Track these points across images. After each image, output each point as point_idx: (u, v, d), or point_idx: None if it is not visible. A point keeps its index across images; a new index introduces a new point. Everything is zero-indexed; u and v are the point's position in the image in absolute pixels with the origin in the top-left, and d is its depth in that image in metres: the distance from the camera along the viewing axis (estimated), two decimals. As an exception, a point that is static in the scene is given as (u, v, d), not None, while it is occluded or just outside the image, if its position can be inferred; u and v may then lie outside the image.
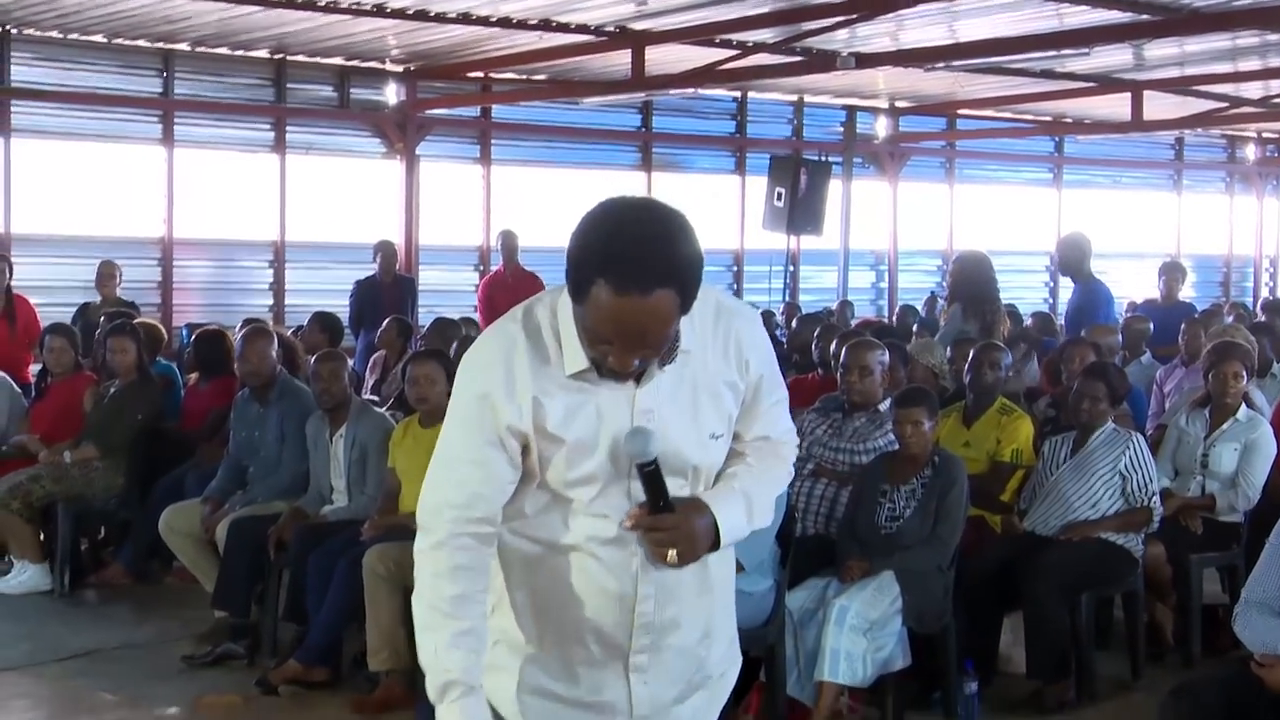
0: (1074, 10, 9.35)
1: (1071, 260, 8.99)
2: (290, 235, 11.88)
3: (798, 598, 4.85)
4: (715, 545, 2.29)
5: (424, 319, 9.97)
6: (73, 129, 10.85)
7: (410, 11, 9.63)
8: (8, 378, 7.66)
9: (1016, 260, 15.10)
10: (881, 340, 6.06)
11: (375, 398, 7.60)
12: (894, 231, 15.40)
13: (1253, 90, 13.31)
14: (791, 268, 13.74)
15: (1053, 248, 12.48)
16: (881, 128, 14.82)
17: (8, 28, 10.31)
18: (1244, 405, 5.89)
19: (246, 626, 5.77)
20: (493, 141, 12.88)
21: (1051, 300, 15.60)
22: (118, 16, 9.80)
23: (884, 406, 5.55)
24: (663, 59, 10.58)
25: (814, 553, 5.09)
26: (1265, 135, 17.56)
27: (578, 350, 2.20)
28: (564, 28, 10.16)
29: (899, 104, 14.76)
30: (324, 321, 8.68)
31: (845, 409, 5.65)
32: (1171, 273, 10.33)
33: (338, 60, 11.78)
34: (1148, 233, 16.99)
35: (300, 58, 11.58)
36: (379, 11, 9.60)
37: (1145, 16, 9.31)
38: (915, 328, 10.46)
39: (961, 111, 15.08)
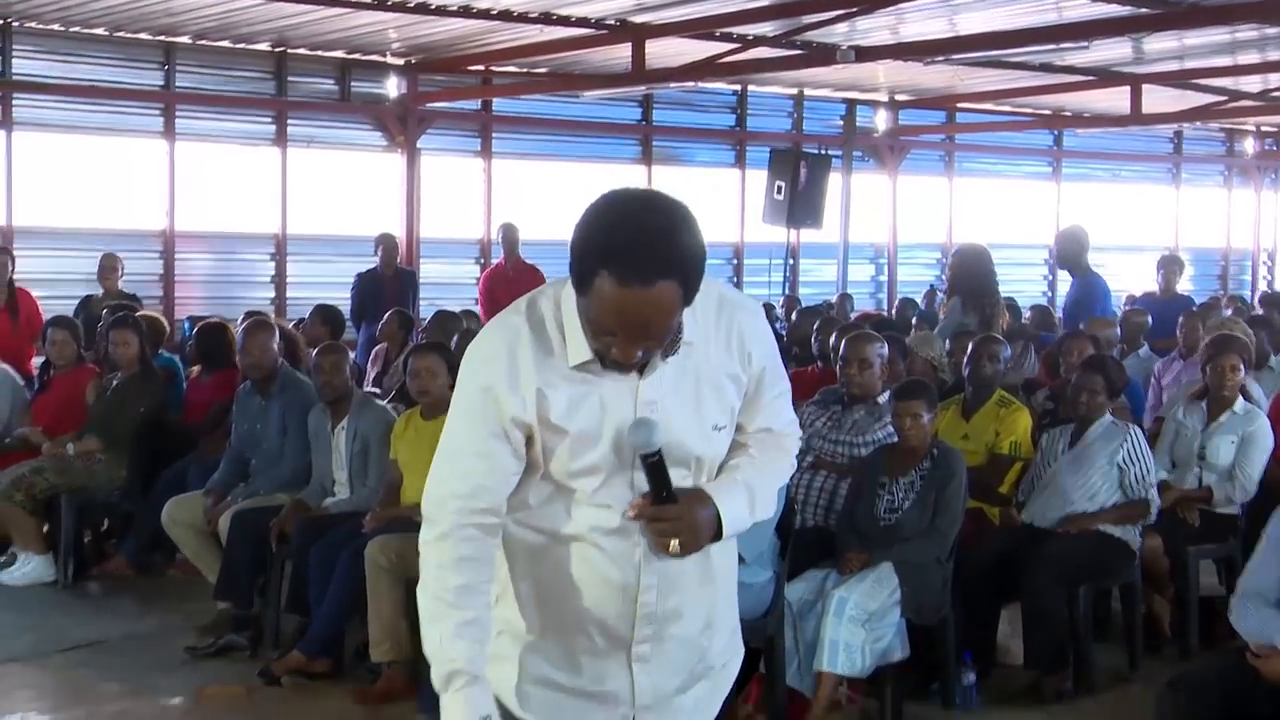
0: (1073, 4, 9.35)
1: (1069, 254, 9.00)
2: (292, 228, 11.88)
3: (797, 589, 4.86)
4: (718, 536, 2.30)
5: (425, 312, 9.96)
6: (74, 122, 10.85)
7: (411, 4, 9.64)
8: (10, 370, 7.67)
9: (1015, 253, 15.11)
10: (881, 333, 6.06)
11: (377, 390, 7.60)
12: (893, 225, 15.40)
13: (1251, 84, 13.31)
14: (791, 261, 13.74)
15: (1052, 241, 12.47)
16: (881, 121, 14.81)
17: (9, 21, 10.31)
18: (1241, 398, 5.90)
19: (249, 618, 5.78)
20: (493, 135, 12.88)
21: (1050, 294, 15.60)
22: (119, 9, 9.79)
23: (883, 399, 5.55)
24: (663, 52, 10.57)
25: (813, 545, 5.10)
26: (1263, 129, 17.56)
27: (581, 342, 2.21)
28: (564, 21, 10.16)
29: (898, 97, 14.75)
30: (325, 314, 8.68)
31: (844, 401, 5.66)
32: (1169, 266, 10.34)
33: (339, 53, 11.78)
34: (1146, 226, 16.99)
35: (301, 51, 11.57)
36: (380, 5, 9.61)
37: (1144, 10, 9.32)
38: (914, 321, 10.46)
39: (961, 105, 15.08)
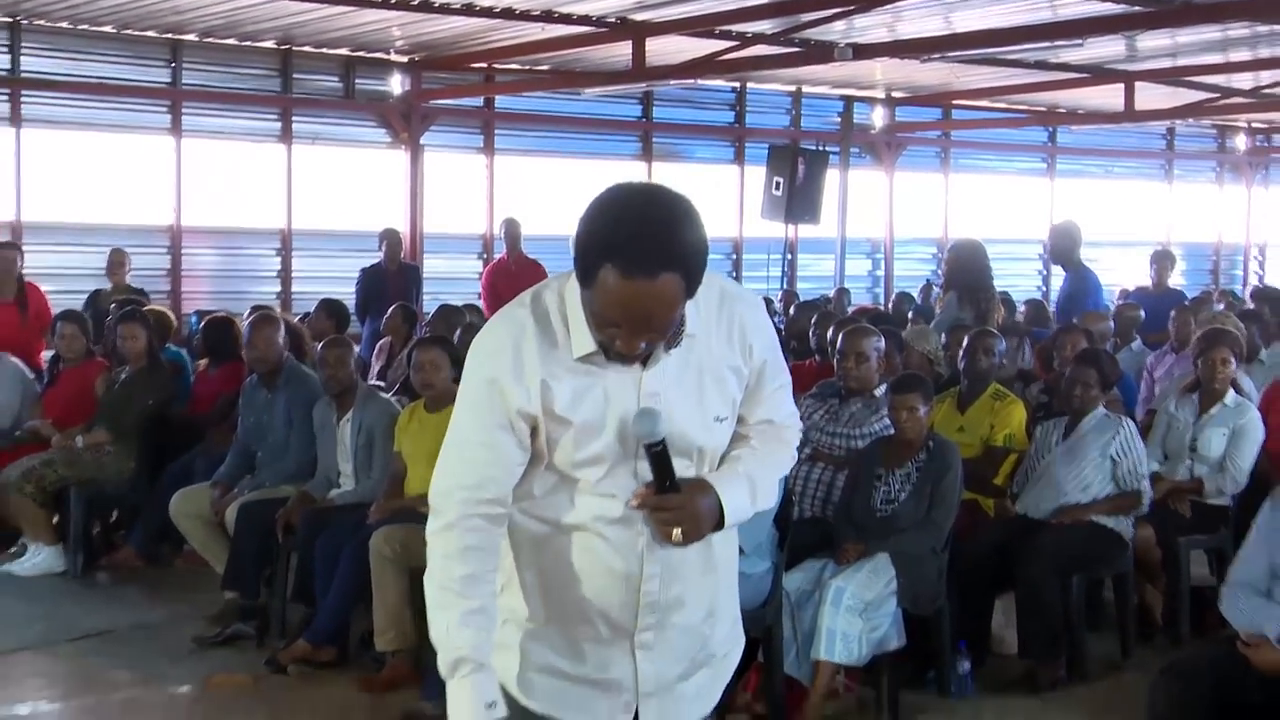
0: (1067, 2, 9.35)
1: (1062, 248, 9.00)
2: (297, 224, 11.88)
3: (795, 579, 4.86)
4: (720, 525, 2.30)
5: (429, 306, 9.98)
6: (83, 119, 10.85)
7: (414, 2, 9.63)
8: (20, 364, 7.67)
9: (1011, 248, 15.12)
10: (877, 327, 6.06)
11: (381, 383, 7.60)
12: (890, 220, 15.39)
13: (1243, 81, 13.30)
14: (789, 256, 13.73)
15: (1046, 236, 12.47)
16: (878, 118, 14.80)
17: (18, 19, 10.31)
18: (1232, 391, 5.91)
19: (256, 607, 5.79)
20: (496, 131, 12.88)
21: (1045, 288, 15.59)
22: (127, 7, 9.79)
23: (880, 392, 5.56)
24: (663, 50, 10.56)
25: (811, 535, 5.10)
26: (1255, 125, 17.55)
27: (585, 334, 2.21)
28: (566, 19, 10.15)
29: (895, 94, 14.75)
30: (330, 308, 8.69)
31: (842, 394, 5.66)
32: (1162, 261, 10.35)
33: (343, 51, 11.77)
34: (1139, 221, 16.99)
35: (306, 48, 11.57)
36: (384, 3, 9.60)
37: (1138, 8, 9.31)
38: (911, 315, 10.46)
39: (957, 102, 15.06)
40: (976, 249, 8.78)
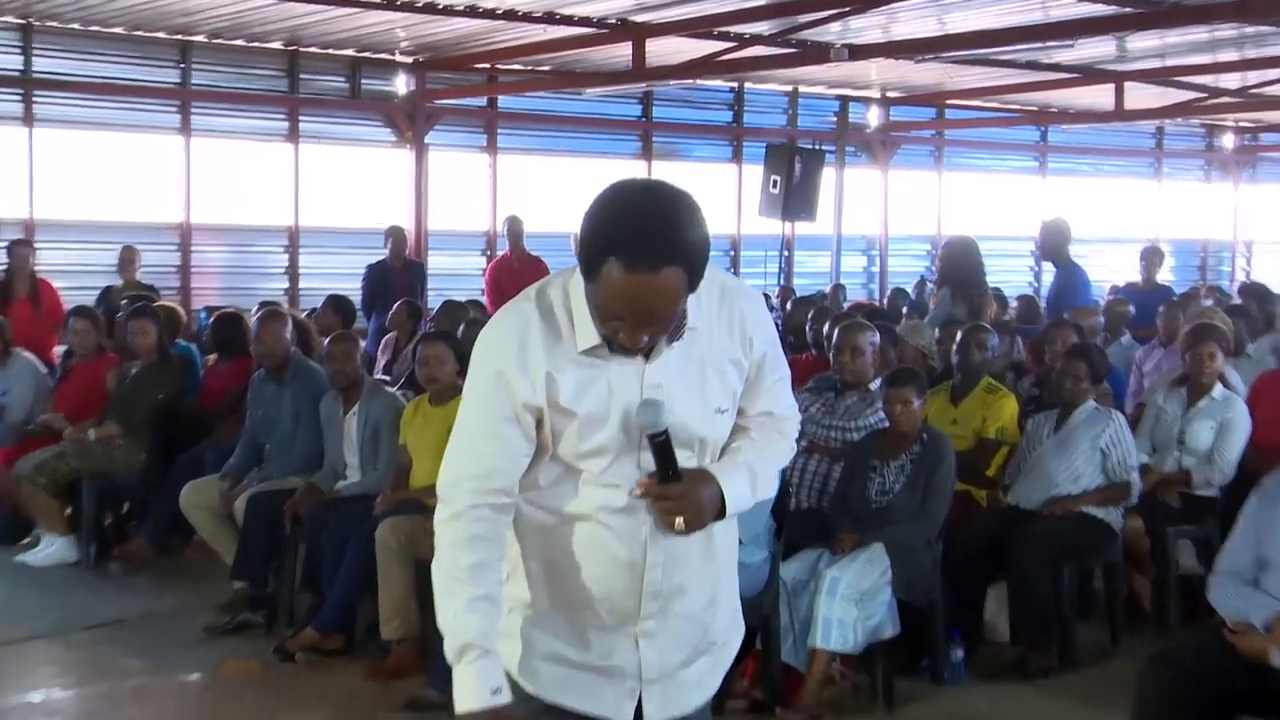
0: (1059, 3, 9.33)
1: (1052, 245, 9.00)
2: (304, 221, 11.87)
3: (791, 569, 4.87)
4: (721, 514, 2.31)
5: (433, 302, 9.97)
6: (94, 118, 10.83)
7: (419, 4, 9.62)
8: (34, 359, 7.68)
9: (1003, 245, 15.09)
10: (872, 322, 6.07)
11: (387, 377, 7.60)
12: (885, 217, 15.38)
13: (1230, 81, 13.28)
14: (786, 252, 13.72)
15: (1037, 233, 12.46)
16: (873, 117, 14.78)
17: (30, 20, 10.29)
18: (1220, 384, 5.91)
19: (264, 597, 5.79)
20: (499, 131, 12.86)
21: (1036, 284, 15.59)
22: (136, 9, 9.78)
23: (875, 386, 5.56)
24: (662, 51, 10.55)
25: (807, 526, 5.10)
26: (1242, 125, 17.53)
27: (589, 327, 2.22)
28: (567, 20, 10.14)
29: (890, 94, 14.73)
30: (337, 304, 8.70)
31: (837, 388, 5.66)
32: (1151, 257, 10.36)
33: (349, 52, 11.76)
34: (1129, 218, 16.96)
35: (313, 49, 11.56)
36: (389, 4, 9.59)
37: (1128, 9, 9.30)
38: (905, 310, 10.47)
39: (950, 101, 15.05)
40: (969, 246, 8.78)
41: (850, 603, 4.72)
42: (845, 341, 5.62)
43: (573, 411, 2.24)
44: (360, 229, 11.74)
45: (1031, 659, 5.18)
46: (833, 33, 10.27)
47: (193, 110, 11.21)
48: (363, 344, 6.91)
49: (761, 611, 4.62)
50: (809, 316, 7.83)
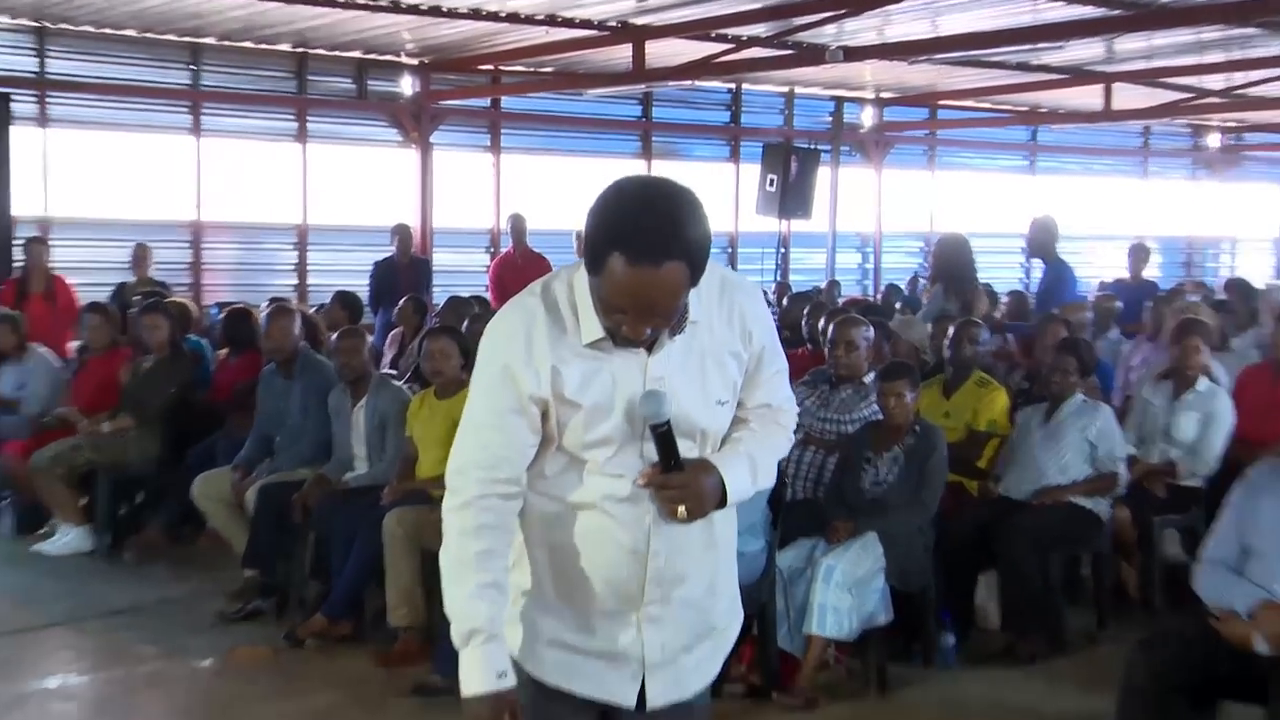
0: (1049, 6, 9.32)
1: (1040, 242, 9.00)
2: (312, 219, 11.87)
3: (788, 557, 4.88)
4: (722, 503, 2.32)
5: (438, 297, 9.96)
6: (107, 119, 10.83)
7: (424, 7, 9.61)
8: (49, 354, 7.68)
9: (994, 242, 15.06)
10: (867, 317, 6.07)
11: (393, 371, 7.60)
12: (879, 215, 15.38)
13: (1216, 82, 13.27)
14: (783, 249, 13.70)
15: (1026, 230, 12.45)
16: (867, 117, 14.77)
17: (44, 23, 10.28)
18: (1205, 378, 5.91)
19: (274, 585, 5.80)
20: (502, 131, 12.86)
21: (1026, 280, 15.58)
22: (148, 12, 9.77)
23: (869, 379, 5.56)
24: (662, 53, 10.54)
25: (803, 515, 5.11)
26: (1227, 125, 17.52)
27: (594, 321, 2.22)
28: (569, 23, 10.13)
29: (884, 95, 14.72)
30: (345, 300, 8.69)
31: (832, 381, 5.67)
32: (1138, 254, 10.36)
33: (356, 54, 11.75)
34: (1116, 216, 16.95)
35: (320, 51, 11.55)
36: (394, 7, 9.57)
37: (1116, 11, 9.28)
38: (899, 306, 10.46)
39: (942, 102, 15.03)
40: (961, 243, 8.79)
41: (844, 590, 4.73)
42: (840, 336, 5.63)
43: (578, 403, 2.24)
44: (367, 227, 11.74)
45: (1021, 645, 5.19)
46: (828, 35, 10.26)
47: (203, 111, 11.21)
48: (370, 339, 6.92)
49: (758, 599, 4.63)
50: (805, 312, 7.83)
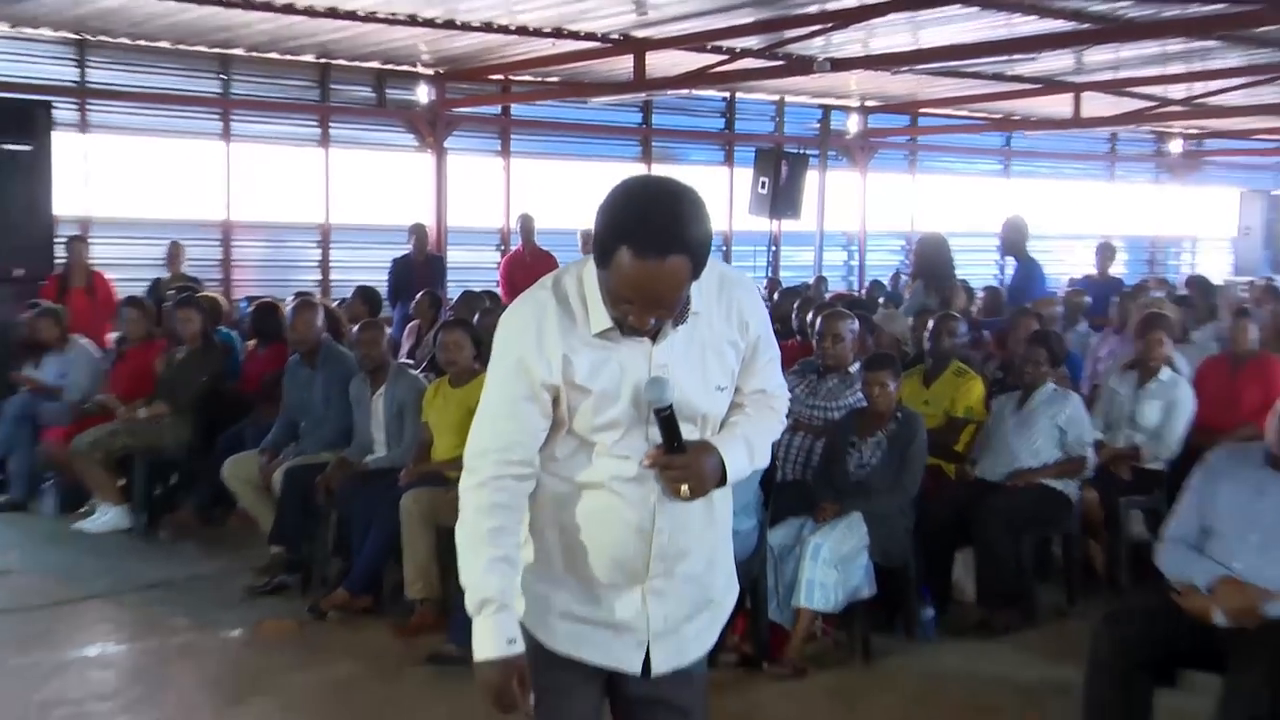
0: (1023, 20, 9.28)
1: (1012, 241, 8.99)
2: (334, 219, 11.85)
3: (778, 535, 4.87)
4: (722, 482, 2.31)
5: (452, 292, 9.95)
6: (143, 125, 10.80)
7: (439, 21, 9.58)
8: (89, 345, 7.68)
9: (971, 241, 15.04)
10: (852, 311, 6.06)
11: (410, 361, 7.60)
12: (863, 216, 15.35)
13: (1178, 91, 13.23)
14: (774, 248, 13.70)
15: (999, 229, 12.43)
16: (853, 124, 14.73)
17: (85, 35, 10.25)
18: (1167, 368, 5.90)
19: (299, 561, 5.80)
20: (512, 136, 12.82)
21: (1000, 276, 15.56)
22: (181, 25, 9.74)
23: (854, 369, 5.56)
24: (661, 63, 10.51)
25: (792, 496, 5.11)
26: (1188, 131, 17.48)
27: (602, 312, 2.22)
28: (574, 35, 10.10)
29: (868, 103, 14.68)
30: (365, 295, 8.68)
31: (820, 371, 5.66)
32: (1105, 252, 10.34)
33: (375, 64, 11.71)
34: (1085, 217, 16.94)
35: (342, 62, 11.51)
36: (412, 21, 9.54)
37: (1085, 26, 9.26)
38: (882, 301, 10.44)
39: (923, 110, 14.98)
40: (940, 242, 8.77)
41: (831, 566, 4.72)
42: (827, 329, 5.62)
43: (588, 389, 2.24)
44: (386, 226, 11.72)
45: (996, 618, 5.19)
46: (816, 47, 10.22)
47: (232, 117, 11.18)
48: (389, 331, 6.90)
49: (751, 574, 4.63)
50: (794, 306, 7.81)
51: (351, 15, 9.29)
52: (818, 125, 14.64)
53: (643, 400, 2.24)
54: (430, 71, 11.95)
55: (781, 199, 12.31)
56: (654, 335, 2.24)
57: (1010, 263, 9.52)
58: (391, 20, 9.51)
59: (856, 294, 12.10)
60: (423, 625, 5.09)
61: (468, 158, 12.65)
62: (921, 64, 10.83)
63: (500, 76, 12.18)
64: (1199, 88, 12.84)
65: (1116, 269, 11.19)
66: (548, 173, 12.93)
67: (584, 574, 2.33)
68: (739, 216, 13.70)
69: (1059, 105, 13.32)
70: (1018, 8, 8.77)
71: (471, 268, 12.28)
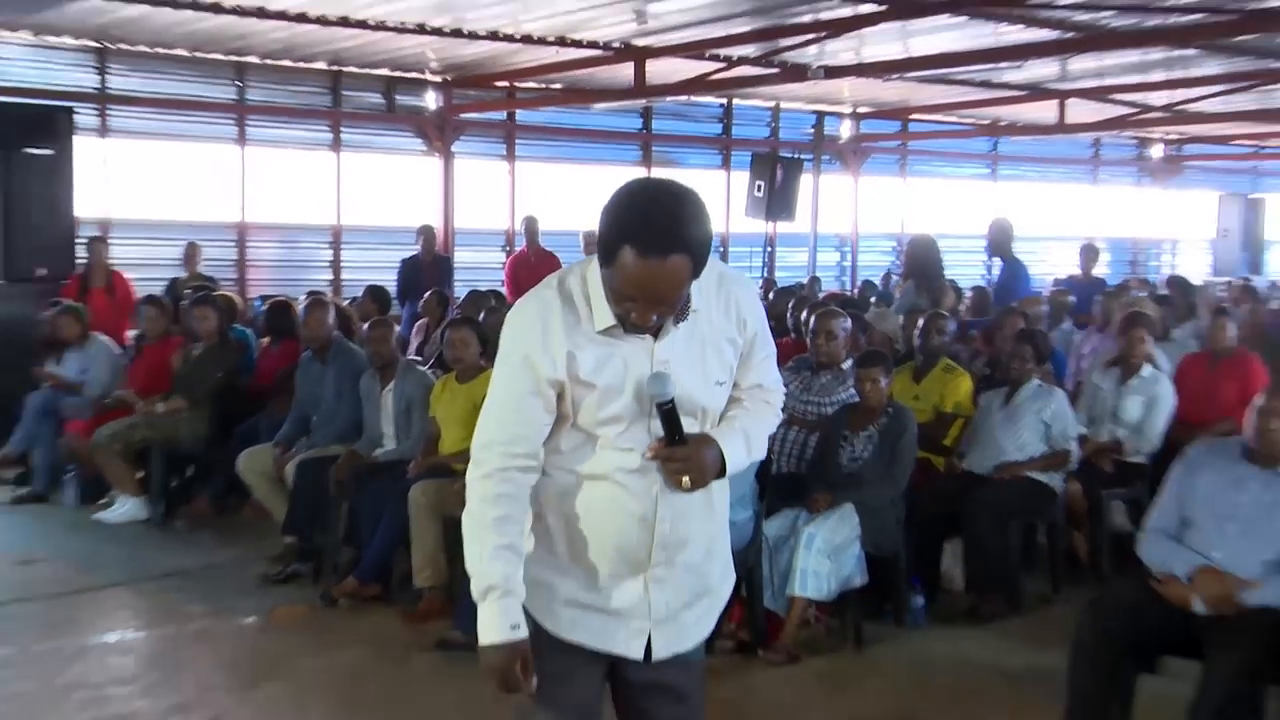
0: (1009, 30, 9.27)
1: (998, 242, 8.99)
2: (345, 221, 11.84)
3: (773, 526, 4.87)
4: (721, 474, 2.31)
5: (459, 292, 9.94)
6: (161, 130, 10.78)
7: (447, 30, 9.57)
8: (109, 342, 7.67)
9: (959, 243, 15.02)
10: (844, 310, 6.05)
11: (419, 358, 7.58)
12: (855, 218, 15.34)
13: (1159, 98, 13.21)
14: (769, 249, 13.69)
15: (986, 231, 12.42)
16: (845, 130, 14.73)
17: (105, 43, 10.24)
18: (1148, 365, 5.90)
19: (311, 550, 5.80)
20: (516, 141, 12.81)
21: (988, 276, 15.53)
22: (198, 33, 9.73)
23: (846, 366, 5.55)
24: (660, 71, 10.50)
25: (787, 488, 5.10)
26: (1169, 137, 17.48)
27: (605, 310, 2.22)
28: (577, 44, 10.08)
29: (860, 109, 14.67)
30: (375, 294, 8.67)
31: (814, 368, 5.65)
32: (1088, 253, 10.34)
33: (385, 71, 11.70)
34: (1069, 219, 16.93)
35: (353, 69, 11.50)
36: (421, 29, 9.53)
37: (1070, 35, 9.25)
38: (873, 300, 10.44)
39: (913, 116, 14.97)
40: (930, 243, 8.76)
41: (824, 556, 4.72)
42: (821, 327, 5.61)
43: (592, 384, 2.24)
44: (395, 227, 11.71)
45: (983, 605, 5.19)
46: (810, 55, 10.21)
47: (247, 123, 11.17)
48: (397, 329, 6.90)
49: (747, 563, 4.62)
50: (789, 305, 7.81)
51: (362, 24, 9.28)
52: (812, 130, 14.63)
53: (645, 395, 2.23)
54: (438, 78, 11.94)
55: (776, 202, 12.31)
56: (656, 332, 2.24)
57: (997, 263, 9.51)
58: (401, 29, 9.50)
59: (849, 293, 12.10)
60: (430, 612, 5.09)
61: (474, 162, 12.64)
62: (912, 71, 10.82)
63: (506, 83, 12.17)
64: (1179, 95, 12.82)
65: (1099, 269, 11.17)
66: (551, 176, 12.92)
67: (588, 562, 2.33)
68: (736, 219, 13.69)
69: (1044, 111, 13.31)
70: (1005, 18, 8.77)
71: (478, 268, 12.27)
